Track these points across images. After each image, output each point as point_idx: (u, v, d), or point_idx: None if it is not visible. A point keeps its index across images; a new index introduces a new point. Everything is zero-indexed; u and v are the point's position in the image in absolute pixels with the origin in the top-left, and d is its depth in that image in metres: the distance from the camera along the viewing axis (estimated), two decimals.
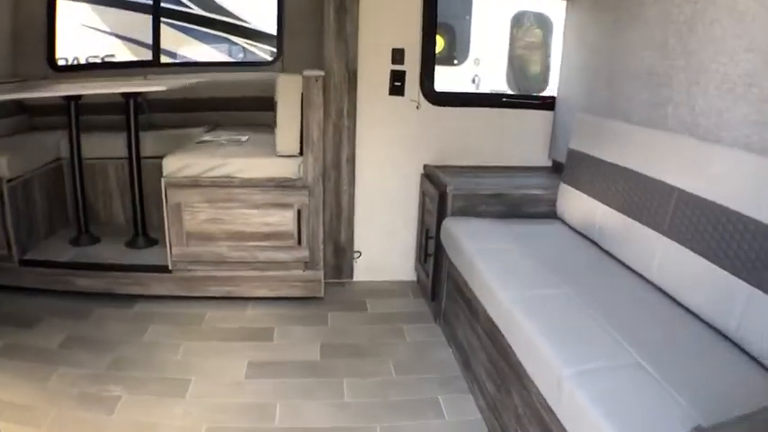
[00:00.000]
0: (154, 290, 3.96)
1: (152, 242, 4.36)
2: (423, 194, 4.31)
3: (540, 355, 2.37)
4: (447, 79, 6.28)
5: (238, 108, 5.29)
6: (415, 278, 4.53)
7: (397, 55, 4.04)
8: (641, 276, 3.05)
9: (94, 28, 6.99)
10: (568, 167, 3.88)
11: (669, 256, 2.85)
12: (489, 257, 3.19)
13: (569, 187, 3.82)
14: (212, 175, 3.81)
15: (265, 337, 3.59)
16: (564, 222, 3.87)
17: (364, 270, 4.44)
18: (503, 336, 2.78)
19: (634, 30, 3.54)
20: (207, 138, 4.48)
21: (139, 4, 6.31)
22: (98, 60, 6.76)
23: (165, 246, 3.96)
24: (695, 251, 2.66)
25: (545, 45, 6.63)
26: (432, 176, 4.17)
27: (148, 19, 5.66)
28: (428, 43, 4.10)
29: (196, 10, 7.47)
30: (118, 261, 4.08)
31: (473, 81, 7.10)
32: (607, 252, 3.38)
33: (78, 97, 4.13)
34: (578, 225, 3.71)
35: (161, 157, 3.94)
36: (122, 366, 3.28)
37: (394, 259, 4.48)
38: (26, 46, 5.04)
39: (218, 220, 3.85)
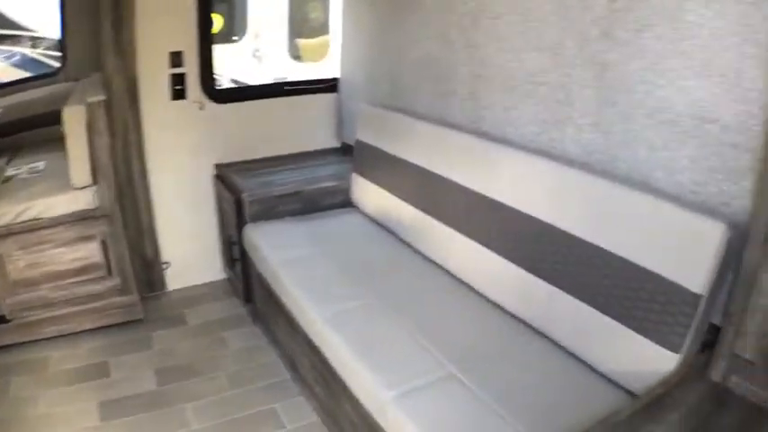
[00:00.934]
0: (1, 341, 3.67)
1: None
2: (219, 197, 4.20)
3: (360, 377, 2.42)
4: (228, 56, 6.09)
5: (33, 126, 4.75)
6: (225, 276, 4.46)
7: (176, 58, 3.84)
8: (443, 269, 3.15)
9: None
10: (358, 158, 3.89)
11: (467, 253, 2.95)
12: (294, 270, 3.15)
13: (361, 178, 3.84)
14: (22, 220, 3.52)
15: (103, 372, 3.44)
16: (361, 211, 3.91)
17: (175, 279, 4.31)
18: (321, 350, 2.79)
19: (414, 19, 3.56)
20: (10, 172, 4.06)
21: None
22: None
23: None
24: (492, 250, 2.78)
25: (326, 18, 6.60)
26: (225, 178, 4.07)
27: None
28: (205, 43, 3.94)
29: None
30: None
31: (254, 55, 6.95)
32: (406, 243, 3.46)
33: None
34: (375, 214, 3.76)
35: None
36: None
37: (202, 262, 4.39)
38: None
39: (37, 264, 3.60)
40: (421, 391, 2.26)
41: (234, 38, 6.98)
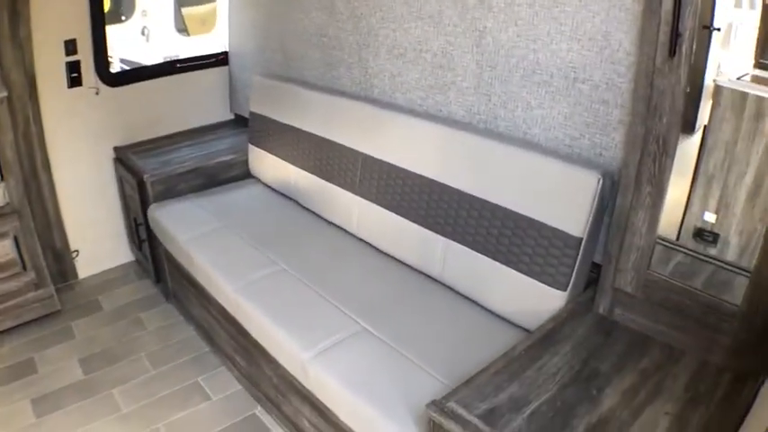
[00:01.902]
0: None
1: None
2: (120, 180, 4.14)
3: (278, 342, 2.51)
4: (117, 37, 5.90)
5: None
6: (134, 258, 4.42)
7: (70, 46, 3.73)
8: (346, 231, 3.25)
9: None
10: (253, 129, 3.91)
11: (366, 214, 3.07)
12: (202, 246, 3.18)
13: (258, 149, 3.87)
14: None
15: (30, 369, 3.37)
16: (260, 182, 3.94)
17: (86, 266, 4.23)
18: (238, 321, 2.85)
19: None
20: None
21: None
22: None
23: None
24: (389, 210, 2.91)
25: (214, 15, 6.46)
26: (125, 161, 4.01)
27: None
28: (98, 28, 3.83)
29: None
30: None
31: (143, 33, 6.75)
32: (307, 209, 3.53)
33: None
34: (274, 184, 3.80)
35: None
36: None
37: (110, 247, 4.32)
38: None
39: None
40: (336, 347, 2.37)
41: (122, 18, 6.76)
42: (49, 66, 3.69)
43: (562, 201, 2.25)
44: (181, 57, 4.78)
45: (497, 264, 2.46)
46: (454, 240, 2.62)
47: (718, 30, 2.11)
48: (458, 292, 2.68)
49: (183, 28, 6.93)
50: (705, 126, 2.08)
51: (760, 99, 2.00)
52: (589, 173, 2.17)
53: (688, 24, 1.83)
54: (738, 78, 2.15)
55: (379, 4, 3.04)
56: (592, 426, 1.71)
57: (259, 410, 3.00)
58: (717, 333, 1.92)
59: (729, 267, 2.05)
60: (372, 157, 2.98)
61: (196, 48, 5.61)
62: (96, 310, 3.91)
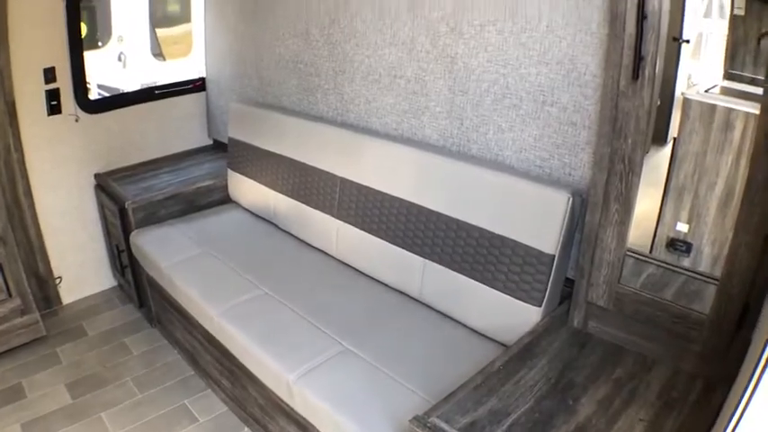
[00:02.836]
0: None
1: None
2: (102, 206, 4.14)
3: (263, 364, 2.52)
4: (94, 64, 5.91)
5: None
6: (117, 283, 4.40)
7: (49, 74, 3.75)
8: (326, 253, 3.28)
9: None
10: (232, 155, 3.92)
11: (345, 236, 3.10)
12: (185, 271, 3.18)
13: (237, 174, 3.88)
14: None
15: (19, 394, 3.35)
16: (240, 206, 3.96)
17: (70, 292, 4.21)
18: (222, 344, 2.86)
19: (276, 17, 3.62)
20: None
21: None
22: None
23: None
24: (367, 231, 2.95)
25: (187, 9, 6.48)
26: (106, 188, 4.01)
27: None
28: (76, 56, 3.85)
29: None
30: None
31: (119, 59, 6.75)
32: (287, 233, 3.55)
33: None
34: (254, 208, 3.82)
35: None
36: None
37: (93, 273, 4.30)
38: None
39: None
40: (320, 367, 2.39)
41: (99, 44, 6.75)
42: (28, 93, 3.70)
43: (534, 220, 2.30)
44: (158, 83, 4.79)
45: (474, 282, 2.52)
46: (432, 260, 2.66)
47: (687, 41, 2.18)
48: (437, 310, 2.72)
49: (158, 52, 6.94)
50: (675, 138, 2.14)
51: (728, 110, 2.05)
52: (559, 192, 2.23)
53: (650, 48, 1.89)
54: (707, 91, 2.21)
55: (353, 32, 3.10)
56: None
57: (246, 431, 3.01)
58: (687, 342, 1.98)
59: (699, 277, 2.11)
60: (350, 181, 3.01)
61: (173, 73, 5.63)
62: (81, 335, 3.88)
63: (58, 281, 4.13)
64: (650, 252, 2.23)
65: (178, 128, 4.57)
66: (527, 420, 1.81)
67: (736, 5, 2.15)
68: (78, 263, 4.21)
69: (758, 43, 1.98)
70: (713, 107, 2.09)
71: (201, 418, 3.12)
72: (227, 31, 4.18)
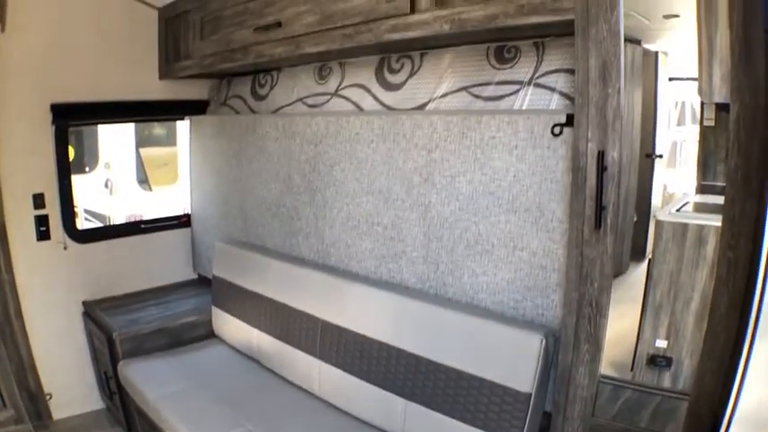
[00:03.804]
0: None
1: None
2: (90, 333, 4.17)
3: None
4: (81, 188, 6.05)
5: None
6: (105, 406, 4.36)
7: (38, 200, 3.91)
8: (308, 393, 3.28)
9: None
10: (216, 292, 3.99)
11: (327, 376, 3.12)
12: (172, 404, 3.18)
13: (221, 311, 3.94)
14: None
15: None
16: (224, 342, 3.98)
17: (60, 409, 4.17)
18: None
19: (260, 162, 3.80)
20: None
21: None
22: None
23: None
24: (350, 373, 2.98)
25: (175, 158, 6.69)
26: (93, 316, 4.06)
27: None
28: (65, 185, 4.02)
29: None
30: None
31: (106, 185, 6.91)
32: (271, 370, 3.57)
33: None
34: (238, 345, 3.84)
35: None
36: None
37: (81, 393, 4.27)
38: None
39: None
40: None
41: (86, 169, 6.92)
42: (18, 217, 3.83)
43: (510, 360, 2.36)
44: (145, 215, 4.93)
45: (455, 421, 2.53)
46: (413, 401, 2.69)
47: (660, 156, 2.30)
48: None
49: (144, 179, 7.08)
50: (649, 260, 2.23)
51: (700, 227, 2.15)
52: (532, 334, 2.30)
53: (611, 198, 2.02)
54: (678, 210, 2.32)
55: (332, 180, 3.25)
56: None
57: None
58: None
59: (674, 395, 2.16)
60: (331, 323, 3.07)
61: (159, 203, 5.77)
62: None
63: (48, 397, 4.10)
64: (632, 368, 2.28)
65: (164, 261, 4.67)
66: None
67: (705, 116, 2.30)
68: (68, 383, 4.19)
69: (728, 154, 2.07)
70: (685, 226, 2.21)
71: None
72: (212, 173, 4.36)
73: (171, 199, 6.33)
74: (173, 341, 3.96)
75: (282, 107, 3.84)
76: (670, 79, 2.71)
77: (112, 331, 3.75)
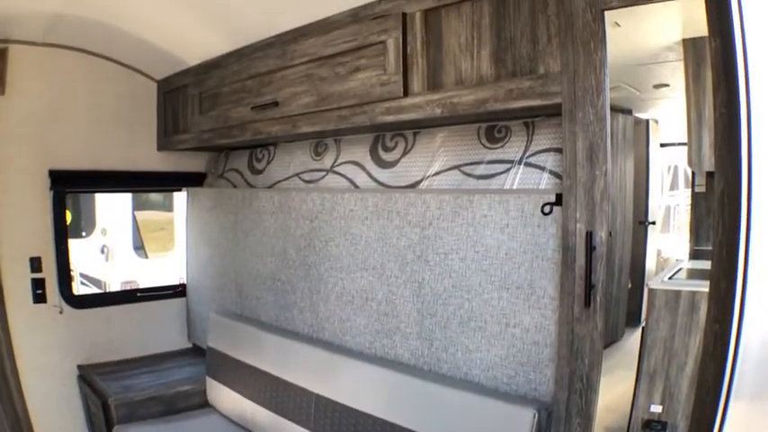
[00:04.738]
0: None
1: None
2: (85, 397, 4.16)
3: None
4: (77, 252, 6.07)
5: None
6: None
7: (35, 263, 3.95)
8: None
9: None
10: (211, 363, 4.00)
11: None
12: None
13: (216, 382, 3.93)
14: None
15: None
16: (218, 412, 3.96)
17: None
18: None
19: (256, 236, 3.86)
20: None
21: None
22: None
23: None
24: None
25: (172, 224, 6.76)
26: (89, 380, 4.06)
27: None
28: (62, 250, 4.08)
29: None
30: None
31: (102, 251, 6.93)
32: None
33: None
34: (232, 415, 3.82)
35: None
36: None
37: None
38: None
39: None
40: None
41: (83, 233, 6.95)
42: (15, 279, 3.88)
43: None
44: (140, 283, 4.97)
45: None
46: None
47: (653, 223, 2.34)
48: None
49: (140, 245, 7.10)
50: (643, 327, 2.25)
51: (692, 294, 2.18)
52: (525, 409, 2.31)
53: (600, 277, 2.06)
54: (671, 277, 2.35)
55: (327, 255, 3.30)
56: None
57: None
58: None
59: None
60: (325, 398, 3.07)
61: (154, 271, 5.79)
62: None
63: None
64: None
65: (159, 329, 4.69)
66: None
67: (696, 183, 2.34)
68: None
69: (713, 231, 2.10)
70: (678, 293, 2.23)
71: None
72: (208, 244, 4.42)
73: (166, 266, 6.35)
74: (167, 409, 3.95)
75: (279, 181, 3.93)
76: (662, 145, 2.78)
77: (108, 396, 3.76)
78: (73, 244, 4.58)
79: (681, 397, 2.21)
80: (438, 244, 2.75)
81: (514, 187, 2.60)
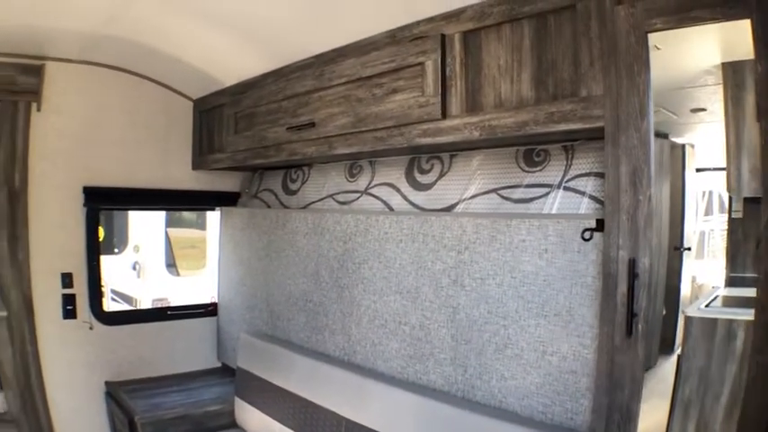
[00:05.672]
0: None
1: None
2: (112, 414, 4.15)
3: None
4: (109, 268, 6.13)
5: None
6: None
7: (66, 279, 3.99)
8: None
9: None
10: (240, 383, 3.98)
11: None
12: None
13: (244, 403, 3.91)
14: None
15: None
16: None
17: None
18: None
19: (288, 256, 3.85)
20: None
21: None
22: None
23: None
24: None
25: (204, 242, 6.80)
26: (116, 397, 4.05)
27: None
28: (94, 267, 4.11)
29: None
30: None
31: (134, 268, 6.99)
32: None
33: None
34: None
35: None
36: None
37: None
38: None
39: None
40: None
41: (115, 250, 7.01)
42: (45, 293, 3.91)
43: None
44: (171, 300, 4.99)
45: None
46: None
47: (689, 249, 2.28)
48: None
49: (172, 263, 7.14)
50: (678, 355, 2.19)
51: (729, 322, 2.12)
52: None
53: (642, 305, 2.01)
54: (707, 305, 2.29)
55: (360, 277, 3.27)
56: None
57: None
58: None
59: None
60: (355, 422, 3.03)
61: (186, 289, 5.81)
62: None
63: None
64: None
65: (189, 348, 4.69)
66: None
67: (733, 208, 2.29)
68: None
69: (757, 246, 1.99)
70: (714, 321, 2.17)
71: None
72: (240, 264, 4.42)
73: (198, 284, 6.38)
74: (195, 428, 3.93)
75: (313, 202, 3.93)
76: (697, 170, 2.74)
77: (134, 414, 3.74)
78: (105, 260, 4.63)
79: (716, 427, 2.15)
80: (474, 269, 2.71)
81: (553, 212, 2.56)
